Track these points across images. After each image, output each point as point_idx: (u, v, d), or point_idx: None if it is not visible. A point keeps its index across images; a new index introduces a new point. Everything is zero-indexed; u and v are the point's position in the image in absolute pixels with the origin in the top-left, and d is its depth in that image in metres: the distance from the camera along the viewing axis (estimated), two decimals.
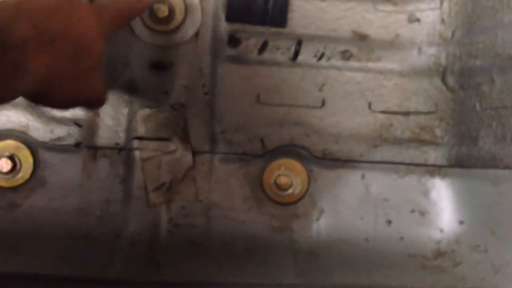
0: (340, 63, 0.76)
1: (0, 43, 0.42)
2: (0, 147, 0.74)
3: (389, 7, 0.76)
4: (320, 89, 0.76)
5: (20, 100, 0.71)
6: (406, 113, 0.76)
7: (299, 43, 0.75)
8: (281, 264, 0.70)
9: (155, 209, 0.74)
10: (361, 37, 0.76)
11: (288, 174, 0.75)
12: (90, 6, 0.56)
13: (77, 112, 0.74)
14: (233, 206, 0.75)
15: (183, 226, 0.74)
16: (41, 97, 0.52)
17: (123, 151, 0.75)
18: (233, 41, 0.76)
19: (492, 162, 0.66)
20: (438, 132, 0.75)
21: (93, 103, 0.60)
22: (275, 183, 0.75)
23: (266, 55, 0.75)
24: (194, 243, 0.73)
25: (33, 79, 0.46)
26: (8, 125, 0.74)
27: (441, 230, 0.72)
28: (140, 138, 0.75)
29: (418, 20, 0.76)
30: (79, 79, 0.53)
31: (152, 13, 0.74)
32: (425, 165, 0.74)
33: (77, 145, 0.74)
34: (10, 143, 0.74)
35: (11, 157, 0.74)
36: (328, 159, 0.75)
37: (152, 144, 0.75)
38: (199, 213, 0.75)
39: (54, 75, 0.49)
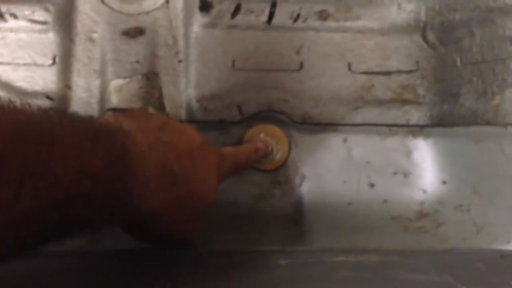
0: (317, 23, 0.74)
1: (124, 177, 0.40)
2: None
3: None
4: (298, 52, 0.74)
5: None
6: (388, 73, 0.74)
7: (274, 5, 0.74)
8: (263, 230, 0.70)
9: None
10: None
11: (268, 140, 0.74)
12: (217, 154, 0.55)
13: (48, 86, 0.73)
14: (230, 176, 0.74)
15: None
16: (137, 230, 0.50)
17: None
18: (205, 5, 0.74)
19: (473, 119, 0.65)
20: (420, 91, 0.73)
21: (186, 243, 0.57)
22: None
23: (239, 18, 0.73)
24: None
25: (141, 215, 0.44)
26: None
27: (424, 191, 0.71)
28: (114, 110, 0.73)
29: None
30: (184, 223, 0.52)
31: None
32: (408, 125, 0.73)
33: None
34: None
35: None
36: (309, 124, 0.74)
37: None
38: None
39: (162, 217, 0.47)
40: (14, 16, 0.72)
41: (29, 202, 0.32)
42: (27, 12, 0.72)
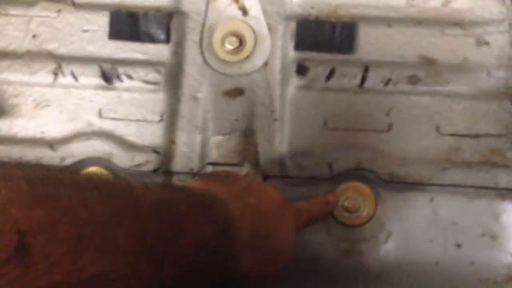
0: (407, 87, 0.78)
1: (226, 244, 0.44)
2: (86, 174, 0.81)
3: (456, 31, 0.77)
4: (387, 114, 0.78)
5: (104, 130, 0.78)
6: (476, 136, 0.77)
7: (366, 69, 0.78)
8: (349, 286, 0.73)
9: None
10: (428, 62, 0.77)
11: (356, 197, 0.78)
12: (294, 209, 0.61)
13: (155, 140, 0.80)
14: (302, 229, 0.78)
15: None
16: None
17: (197, 176, 0.80)
18: (302, 69, 0.79)
19: None
20: (509, 155, 0.75)
21: None
22: (343, 205, 0.78)
23: (333, 82, 0.78)
24: None
25: (235, 278, 0.48)
26: (94, 154, 0.80)
27: None
28: (213, 164, 0.79)
29: (487, 43, 0.77)
30: (270, 279, 0.56)
31: (224, 44, 0.79)
32: (496, 188, 0.74)
33: (155, 170, 0.80)
34: (95, 170, 0.81)
35: None
36: (395, 182, 0.77)
37: (225, 169, 0.79)
38: None
39: (249, 275, 0.51)
40: (130, 77, 0.80)
41: (167, 274, 0.36)
42: (141, 74, 0.80)
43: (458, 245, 0.75)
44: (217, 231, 0.42)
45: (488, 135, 0.77)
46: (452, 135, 0.77)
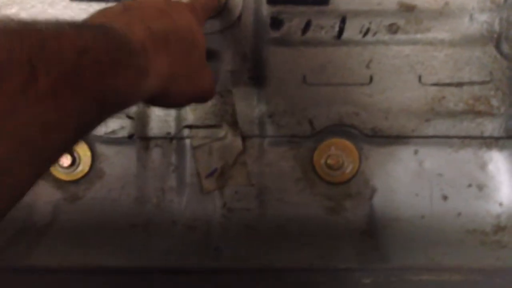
0: (386, 37, 0.73)
1: (124, 49, 0.41)
2: None
3: None
4: (367, 66, 0.74)
5: None
6: (459, 84, 0.73)
7: (343, 20, 0.73)
8: (336, 245, 0.70)
9: (209, 195, 0.76)
10: (408, 8, 0.73)
11: (339, 153, 0.74)
12: (185, 3, 0.58)
13: None
14: (285, 189, 0.75)
15: (237, 210, 0.75)
16: (160, 98, 0.51)
17: (174, 140, 0.76)
18: (276, 23, 0.74)
19: None
20: (494, 102, 0.72)
21: (206, 95, 0.60)
22: (326, 163, 0.75)
23: (310, 35, 0.74)
24: (249, 227, 0.74)
25: (155, 82, 0.46)
26: None
27: (500, 204, 0.69)
28: (190, 127, 0.75)
29: None
30: (193, 74, 0.54)
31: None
32: (481, 137, 0.71)
33: (130, 136, 0.76)
34: None
35: (70, 152, 0.76)
36: (379, 136, 0.73)
37: (202, 132, 0.75)
38: (252, 196, 0.75)
39: (173, 75, 0.49)
40: None
41: (44, 79, 0.32)
42: None
43: (445, 197, 0.72)
44: (100, 39, 0.38)
45: (472, 83, 0.73)
46: (435, 84, 0.74)
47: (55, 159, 0.37)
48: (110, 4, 0.72)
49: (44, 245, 0.72)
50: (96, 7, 0.75)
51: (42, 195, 0.77)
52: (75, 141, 0.38)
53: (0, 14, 0.75)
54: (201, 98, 0.60)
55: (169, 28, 0.50)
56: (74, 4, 0.75)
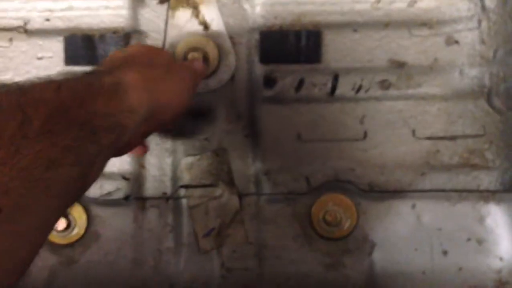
0: (379, 93, 0.74)
1: (94, 73, 0.45)
2: None
3: (424, 31, 0.74)
4: (361, 121, 0.74)
5: None
6: (453, 138, 0.73)
7: (336, 78, 0.74)
8: None
9: (206, 255, 0.75)
10: (398, 65, 0.74)
11: (336, 209, 0.74)
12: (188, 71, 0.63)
13: (124, 166, 0.75)
14: (283, 246, 0.74)
15: (236, 270, 0.74)
16: (156, 116, 0.52)
17: (170, 200, 0.75)
18: (269, 81, 0.75)
19: None
20: (489, 155, 0.72)
21: (185, 103, 0.60)
22: (323, 219, 0.74)
23: (303, 92, 0.75)
24: (248, 286, 0.73)
25: (137, 96, 0.47)
26: None
27: (501, 259, 0.69)
28: (186, 187, 0.75)
29: (456, 42, 0.73)
30: (169, 83, 0.56)
31: (187, 60, 0.75)
32: (478, 191, 0.71)
33: (126, 198, 0.75)
34: None
35: (66, 216, 0.75)
36: (376, 191, 0.73)
37: (198, 191, 0.75)
38: (251, 255, 0.74)
39: (151, 87, 0.50)
40: None
41: (36, 120, 0.35)
42: None
43: (445, 252, 0.71)
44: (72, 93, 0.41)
45: (465, 136, 0.73)
46: (429, 138, 0.74)
47: (65, 198, 0.38)
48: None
49: None
50: None
51: (37, 260, 0.75)
52: (82, 176, 0.39)
53: None
54: (182, 106, 0.59)
55: (158, 80, 0.53)
56: (69, 69, 0.76)
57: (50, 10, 0.76)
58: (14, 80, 0.76)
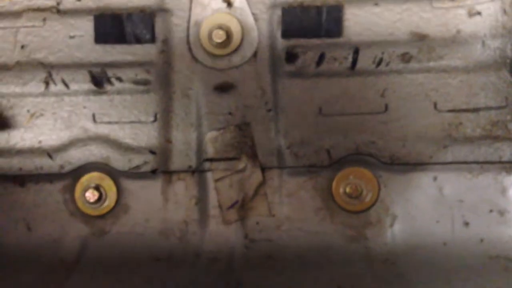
0: (400, 66, 0.75)
1: None
2: (86, 179, 0.80)
3: (447, 3, 0.74)
4: (382, 95, 0.75)
5: (100, 134, 0.77)
6: (476, 110, 0.74)
7: (356, 51, 0.75)
8: (357, 272, 0.71)
9: (231, 227, 0.77)
10: (420, 38, 0.75)
11: (357, 182, 0.75)
12: None
13: (151, 141, 0.79)
14: (305, 218, 0.76)
15: (259, 241, 0.76)
16: None
17: (196, 173, 0.78)
18: (291, 56, 0.77)
19: None
20: (511, 126, 0.72)
21: None
22: (345, 192, 0.76)
23: (324, 67, 0.76)
24: (270, 257, 0.75)
25: None
26: (91, 159, 0.79)
27: None
28: (210, 160, 0.78)
29: (479, 13, 0.73)
30: None
31: (211, 38, 0.77)
32: (500, 162, 0.71)
33: (154, 171, 0.78)
34: (94, 175, 0.80)
35: (97, 188, 0.79)
36: (397, 164, 0.74)
37: (223, 164, 0.78)
38: (273, 227, 0.76)
39: None
40: (120, 79, 0.79)
41: None
42: (131, 75, 0.79)
43: (466, 224, 0.72)
44: None
45: (488, 108, 0.74)
46: (451, 111, 0.75)
47: None
48: (132, 46, 0.76)
49: (72, 282, 0.75)
50: (119, 49, 0.79)
51: (70, 231, 0.80)
52: None
53: (30, 59, 0.80)
54: None
55: None
56: (99, 47, 0.79)
57: None
58: (48, 58, 0.80)
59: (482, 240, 0.70)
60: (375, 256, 0.73)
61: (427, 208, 0.73)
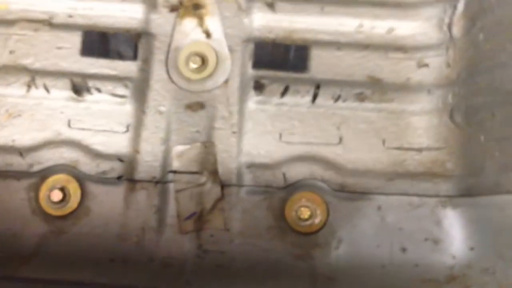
0: (355, 104, 0.84)
1: None
2: (53, 180, 0.84)
3: (399, 55, 0.85)
4: (338, 128, 0.84)
5: (73, 139, 0.82)
6: (419, 149, 0.82)
7: (318, 87, 0.85)
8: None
9: (186, 236, 0.82)
10: (374, 81, 0.84)
11: (309, 205, 0.82)
12: None
13: (121, 150, 0.84)
14: (258, 235, 0.81)
15: (212, 252, 0.81)
16: None
17: (159, 184, 0.83)
18: (259, 86, 0.85)
19: (497, 189, 0.71)
20: (449, 165, 0.81)
21: None
22: (296, 214, 0.82)
23: (287, 98, 0.85)
24: (221, 267, 0.80)
25: None
26: (61, 161, 0.84)
27: (454, 257, 0.76)
28: (174, 172, 0.84)
29: (426, 65, 0.84)
30: None
31: (188, 63, 0.85)
32: (437, 196, 0.79)
33: (119, 178, 0.84)
34: (62, 176, 0.85)
35: (62, 189, 0.84)
36: (346, 192, 0.81)
37: (185, 177, 0.83)
38: (227, 240, 0.82)
39: None
40: (99, 90, 0.86)
41: None
42: (109, 87, 0.86)
43: (403, 249, 0.78)
44: None
45: (429, 148, 0.82)
46: (397, 148, 0.83)
47: None
48: (115, 61, 0.83)
49: (25, 270, 0.77)
50: (102, 63, 0.87)
51: (30, 227, 0.83)
52: None
53: (17, 63, 0.87)
54: None
55: None
56: (84, 59, 0.86)
57: (74, 8, 0.89)
58: (34, 64, 0.87)
59: (417, 265, 0.77)
60: (319, 274, 0.79)
61: (370, 234, 0.80)
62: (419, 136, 0.83)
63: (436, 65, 0.84)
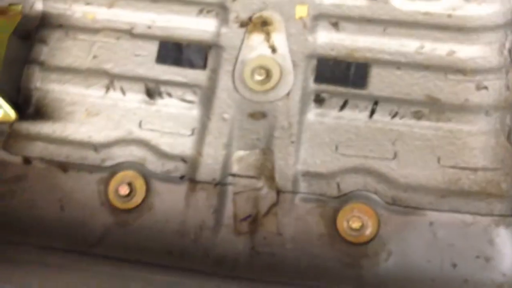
0: (412, 121, 0.87)
1: None
2: (122, 175, 0.91)
3: (459, 77, 0.88)
4: (393, 143, 0.87)
5: (142, 138, 0.89)
6: (474, 169, 0.84)
7: (376, 103, 0.88)
8: None
9: (240, 237, 0.86)
10: (433, 100, 0.87)
11: (361, 216, 0.85)
12: None
13: (185, 151, 0.91)
14: (309, 241, 0.85)
15: (263, 254, 0.85)
16: None
17: (218, 186, 0.89)
18: (319, 99, 0.90)
19: None
20: (504, 186, 0.82)
21: None
22: (348, 223, 0.85)
23: (346, 112, 0.89)
24: (271, 268, 0.83)
25: None
26: (130, 158, 0.91)
27: (504, 275, 0.76)
28: (233, 175, 0.89)
29: (485, 87, 0.86)
30: None
31: (253, 75, 0.92)
32: (491, 215, 0.80)
33: (182, 177, 0.90)
34: (130, 173, 0.92)
35: (129, 184, 0.90)
36: (398, 205, 0.84)
37: (243, 181, 0.88)
38: (279, 244, 0.85)
39: None
40: (170, 95, 0.93)
41: None
42: (179, 93, 0.93)
43: (454, 265, 0.79)
44: None
45: (485, 169, 0.84)
46: (452, 167, 0.85)
47: None
48: (186, 70, 0.91)
49: (91, 255, 0.84)
50: (174, 70, 0.94)
51: (97, 218, 0.90)
52: None
53: (98, 67, 0.96)
54: None
55: None
56: (158, 66, 0.94)
57: (153, 21, 0.97)
58: (114, 69, 0.96)
59: (466, 281, 0.78)
60: (366, 284, 0.81)
61: (420, 248, 0.81)
62: (475, 156, 0.85)
63: (495, 88, 0.86)
